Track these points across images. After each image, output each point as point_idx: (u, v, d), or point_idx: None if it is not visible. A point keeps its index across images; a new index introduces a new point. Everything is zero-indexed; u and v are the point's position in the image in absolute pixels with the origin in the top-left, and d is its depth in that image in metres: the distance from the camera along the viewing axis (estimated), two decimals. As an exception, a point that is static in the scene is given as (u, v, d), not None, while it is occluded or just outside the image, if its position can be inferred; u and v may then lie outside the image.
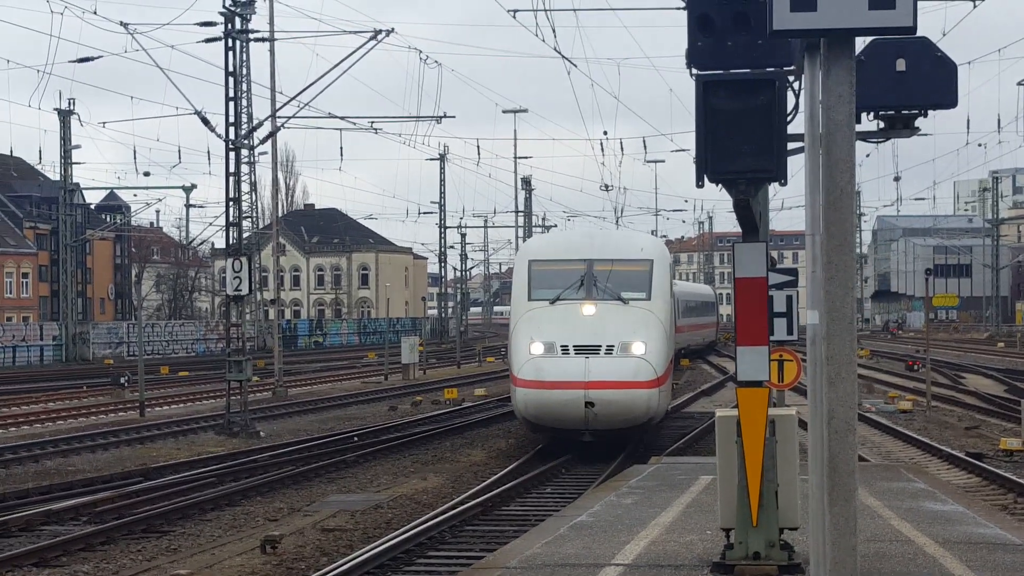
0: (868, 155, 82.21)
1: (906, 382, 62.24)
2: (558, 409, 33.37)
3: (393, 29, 42.76)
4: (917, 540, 16.28)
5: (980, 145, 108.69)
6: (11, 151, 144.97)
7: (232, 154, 45.48)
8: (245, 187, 45.94)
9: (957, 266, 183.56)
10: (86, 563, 21.11)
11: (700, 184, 11.69)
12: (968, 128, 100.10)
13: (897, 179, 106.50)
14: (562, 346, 34.72)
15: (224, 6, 45.34)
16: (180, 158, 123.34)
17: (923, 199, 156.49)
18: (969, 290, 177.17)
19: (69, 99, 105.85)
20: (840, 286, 6.68)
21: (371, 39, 44.14)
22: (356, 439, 40.69)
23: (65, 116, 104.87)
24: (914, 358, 74.80)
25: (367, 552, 19.60)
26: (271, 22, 57.58)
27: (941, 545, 15.89)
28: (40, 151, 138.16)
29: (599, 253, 38.55)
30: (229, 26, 45.67)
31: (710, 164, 11.30)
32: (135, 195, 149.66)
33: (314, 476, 31.74)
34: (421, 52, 50.89)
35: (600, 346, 34.50)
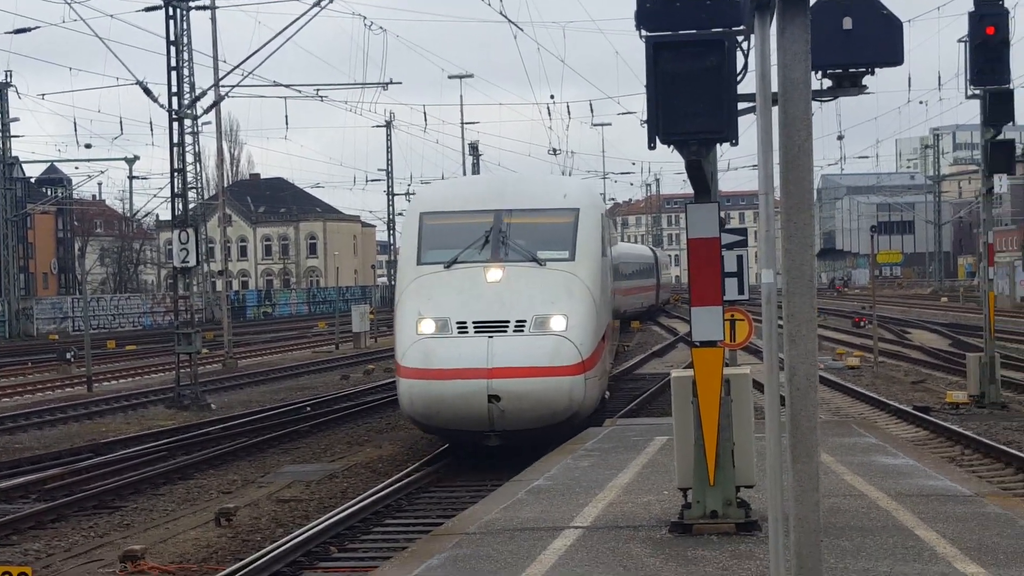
0: (812, 114, 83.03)
1: (853, 339, 62.60)
2: (453, 405, 25.80)
3: (339, -3, 42.46)
4: (870, 494, 16.39)
5: (921, 103, 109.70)
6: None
7: (175, 124, 45.00)
8: (189, 158, 45.52)
9: (900, 223, 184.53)
10: (37, 541, 21.02)
11: (652, 146, 11.78)
12: (909, 86, 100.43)
13: (840, 138, 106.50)
14: (459, 323, 27.16)
15: None
16: (122, 129, 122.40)
17: (866, 157, 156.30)
18: (912, 246, 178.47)
19: (6, 71, 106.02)
20: (799, 244, 6.73)
21: (315, 5, 43.77)
22: (309, 409, 40.37)
23: (2, 88, 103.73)
24: (860, 315, 75.29)
25: (323, 522, 19.58)
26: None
27: (894, 498, 16.01)
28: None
29: (511, 202, 30.60)
30: (170, -6, 45.08)
31: (662, 126, 11.38)
32: (76, 168, 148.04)
33: (268, 447, 31.61)
34: (366, 19, 50.93)
35: (508, 322, 26.95)
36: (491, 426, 25.70)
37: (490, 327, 26.60)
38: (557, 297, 27.57)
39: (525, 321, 26.78)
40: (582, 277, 28.53)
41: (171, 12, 44.84)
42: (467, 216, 30.37)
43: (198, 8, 48.22)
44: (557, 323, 26.79)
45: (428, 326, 26.94)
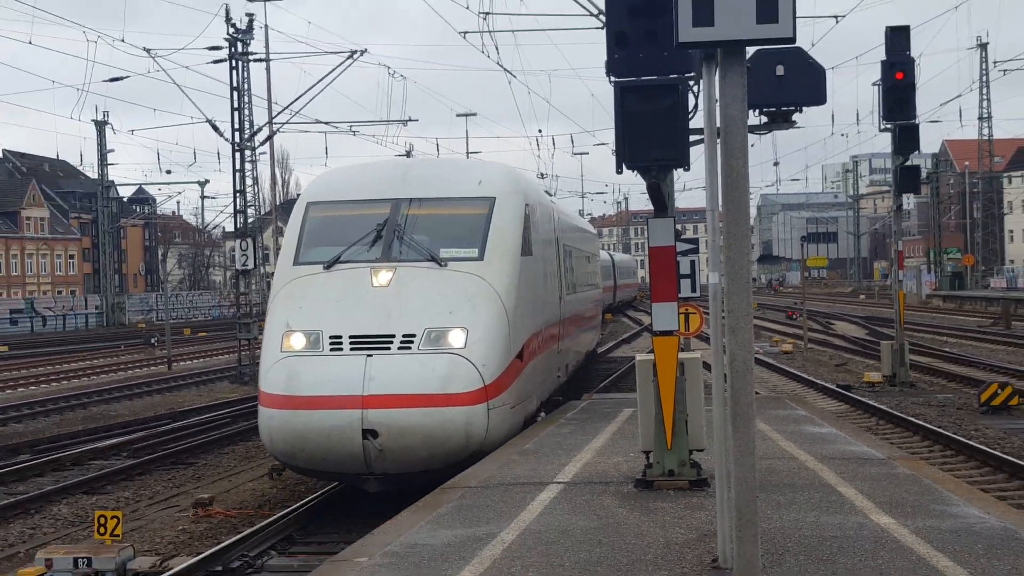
0: (753, 145, 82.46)
1: (787, 328, 62.47)
2: (320, 442, 17.99)
3: (366, 50, 42.57)
4: (800, 457, 16.31)
5: (843, 135, 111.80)
6: (57, 156, 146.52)
7: (237, 154, 45.67)
8: (249, 181, 46.09)
9: (826, 233, 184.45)
10: (126, 490, 21.66)
11: (619, 171, 11.73)
12: (833, 121, 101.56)
13: (776, 164, 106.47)
14: (332, 338, 18.88)
15: (228, 33, 45.74)
16: (195, 158, 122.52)
17: (797, 180, 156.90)
18: (836, 253, 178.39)
19: (104, 112, 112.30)
20: (738, 252, 6.65)
21: (348, 58, 44.12)
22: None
23: (101, 126, 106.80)
24: (793, 309, 75.04)
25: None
26: (267, 46, 56.77)
27: (819, 460, 15.93)
28: (81, 155, 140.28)
29: (414, 190, 21.51)
30: (233, 49, 46.02)
31: (627, 155, 11.32)
32: (159, 189, 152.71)
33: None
34: (389, 68, 50.60)
35: (393, 336, 18.66)
36: (368, 468, 17.77)
37: (370, 343, 18.22)
38: (457, 305, 18.95)
39: (414, 335, 18.20)
40: (492, 280, 19.65)
41: (234, 64, 45.85)
42: (360, 207, 21.39)
43: (255, 60, 48.25)
44: (455, 338, 18.30)
45: (296, 341, 18.67)
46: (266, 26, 57.61)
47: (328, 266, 19.42)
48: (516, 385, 19.30)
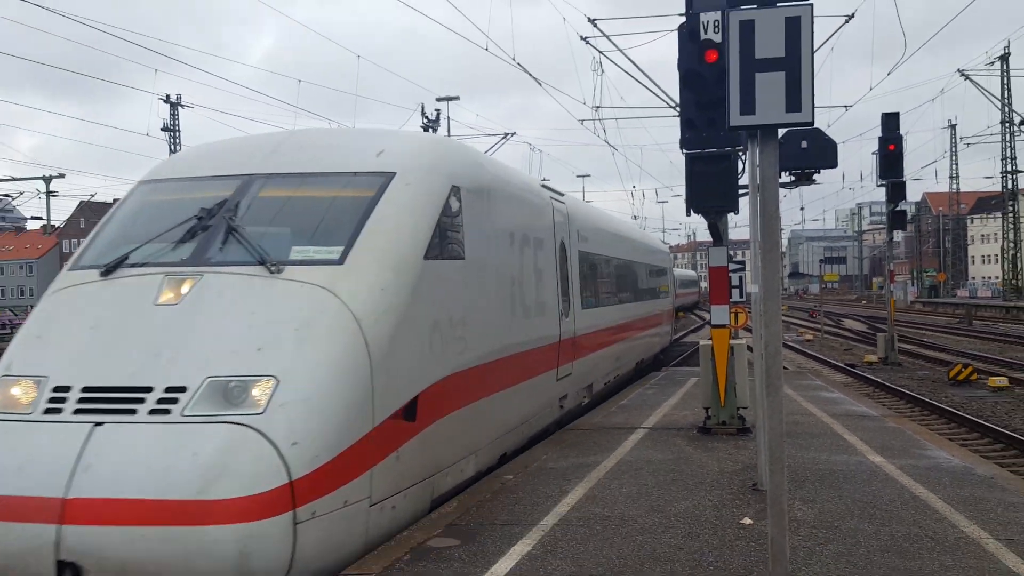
0: (784, 195, 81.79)
1: (809, 324, 61.33)
2: None
3: (515, 132, 42.55)
4: (816, 413, 16.00)
5: (850, 188, 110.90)
6: None
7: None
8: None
9: (838, 257, 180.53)
10: None
11: (688, 214, 11.79)
12: (843, 179, 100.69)
13: (802, 208, 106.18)
14: (57, 390, 7.63)
15: (422, 124, 44.67)
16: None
17: (817, 220, 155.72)
18: (845, 271, 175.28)
19: None
20: (771, 270, 6.50)
21: (503, 138, 43.99)
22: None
23: None
24: (813, 310, 73.79)
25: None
26: (448, 131, 57.53)
27: (830, 416, 15.63)
28: None
29: (280, 163, 9.92)
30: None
31: (694, 203, 11.35)
32: None
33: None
34: (531, 145, 50.70)
35: (149, 390, 7.44)
36: None
37: (111, 401, 7.48)
38: (273, 339, 7.95)
39: (183, 389, 7.46)
40: (348, 297, 8.43)
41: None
42: (200, 186, 10.04)
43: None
44: (254, 395, 7.49)
45: (10, 394, 7.84)
46: (448, 117, 58.13)
47: (107, 271, 8.92)
48: (390, 466, 8.50)
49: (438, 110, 46.72)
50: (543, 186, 15.31)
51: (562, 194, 16.36)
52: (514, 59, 22.05)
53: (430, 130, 42.99)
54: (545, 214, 14.56)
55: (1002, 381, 24.06)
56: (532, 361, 13.04)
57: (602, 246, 19.49)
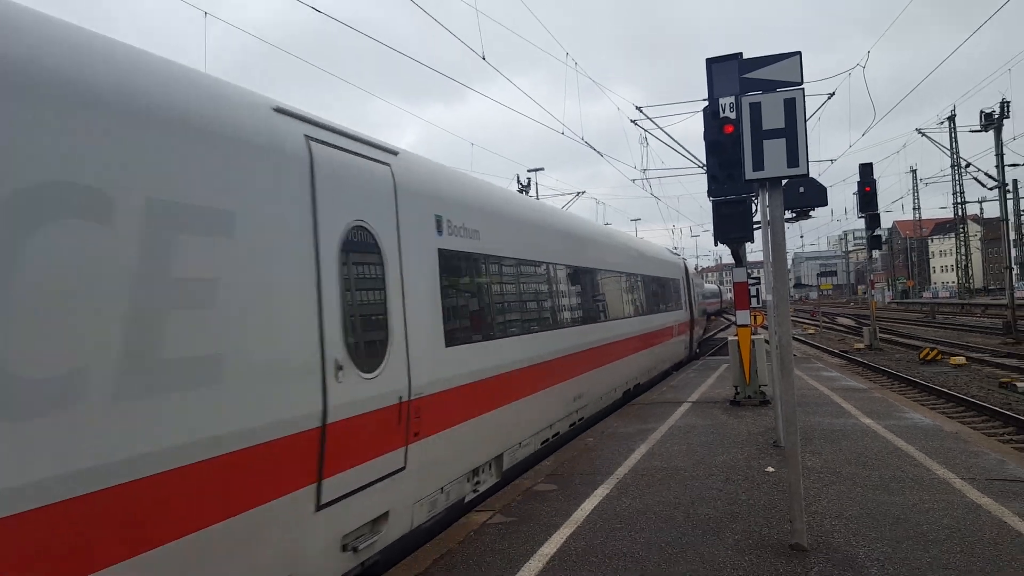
0: (788, 227, 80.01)
1: (810, 321, 59.56)
2: None
3: (585, 191, 42.41)
4: (820, 388, 15.52)
5: (838, 220, 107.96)
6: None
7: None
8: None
9: (830, 271, 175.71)
10: None
11: (716, 244, 11.63)
12: (832, 213, 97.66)
13: (802, 236, 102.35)
14: None
15: (517, 189, 43.03)
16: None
17: (814, 244, 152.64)
18: (836, 281, 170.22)
19: None
20: (781, 283, 6.35)
21: (575, 196, 43.26)
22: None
23: None
24: (814, 311, 71.54)
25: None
26: (537, 195, 57.68)
27: (830, 390, 15.14)
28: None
29: None
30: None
31: (720, 236, 11.13)
32: None
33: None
34: (597, 200, 50.65)
35: None
36: None
37: None
38: None
39: None
40: None
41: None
42: None
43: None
44: None
45: None
46: (536, 183, 58.40)
47: None
48: None
49: (529, 178, 46.50)
50: (277, 110, 5.23)
51: (371, 144, 6.28)
52: (582, 139, 22.08)
53: (524, 192, 42.49)
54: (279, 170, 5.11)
55: (961, 360, 23.08)
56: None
57: (513, 244, 9.30)
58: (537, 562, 6.11)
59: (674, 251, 25.71)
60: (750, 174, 6.09)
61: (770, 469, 8.77)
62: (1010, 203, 40.95)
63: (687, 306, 23.32)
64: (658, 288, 18.48)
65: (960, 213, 73.80)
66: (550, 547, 6.45)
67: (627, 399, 15.14)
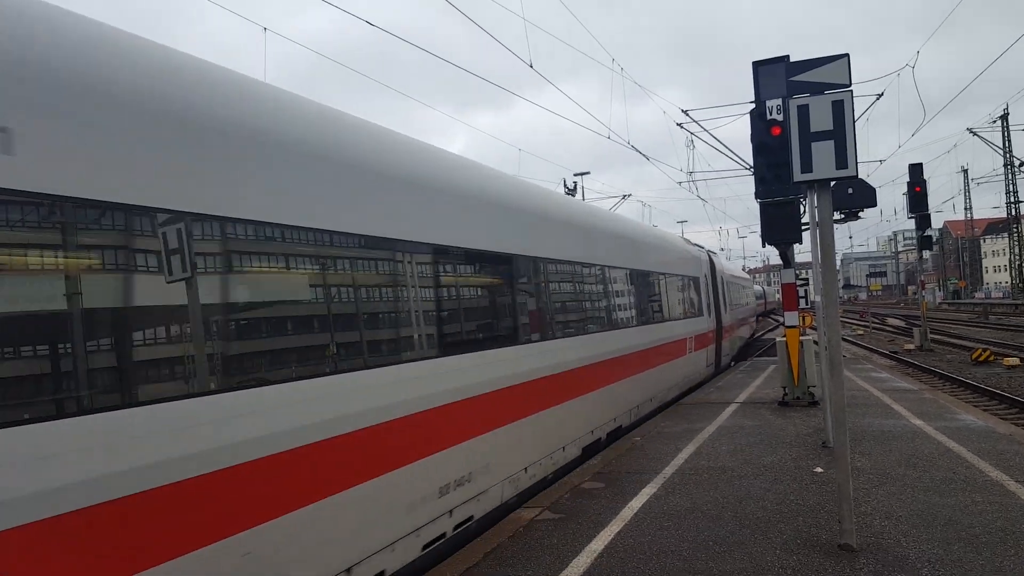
0: (837, 228, 78.36)
1: (859, 322, 58.35)
2: None
3: (631, 194, 42.15)
4: (869, 389, 15.23)
5: (887, 221, 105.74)
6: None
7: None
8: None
9: (879, 272, 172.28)
10: None
11: (764, 245, 11.37)
12: (881, 214, 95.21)
13: (851, 237, 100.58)
14: None
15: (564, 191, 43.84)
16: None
17: (863, 245, 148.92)
18: (886, 282, 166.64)
19: None
20: (831, 284, 6.28)
21: (622, 198, 43.02)
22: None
23: None
24: (863, 312, 70.06)
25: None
26: (583, 196, 57.53)
27: (880, 391, 14.84)
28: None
29: None
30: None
31: (767, 237, 10.97)
32: None
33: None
34: (643, 202, 50.36)
35: None
36: None
37: None
38: None
39: None
40: None
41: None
42: None
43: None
44: None
45: None
46: (582, 187, 58.14)
47: None
48: None
49: (575, 182, 46.30)
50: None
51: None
52: (628, 143, 21.98)
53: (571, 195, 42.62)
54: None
55: (1014, 361, 22.40)
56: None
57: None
58: (586, 558, 6.15)
59: (720, 250, 25.70)
60: (798, 176, 6.04)
61: (819, 470, 8.65)
62: (1066, 202, 39.69)
63: (712, 311, 18.36)
64: (660, 289, 13.66)
65: (1013, 212, 71.83)
66: (598, 543, 6.47)
67: (592, 453, 10.05)
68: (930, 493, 7.44)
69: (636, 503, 7.61)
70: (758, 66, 10.29)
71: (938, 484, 7.74)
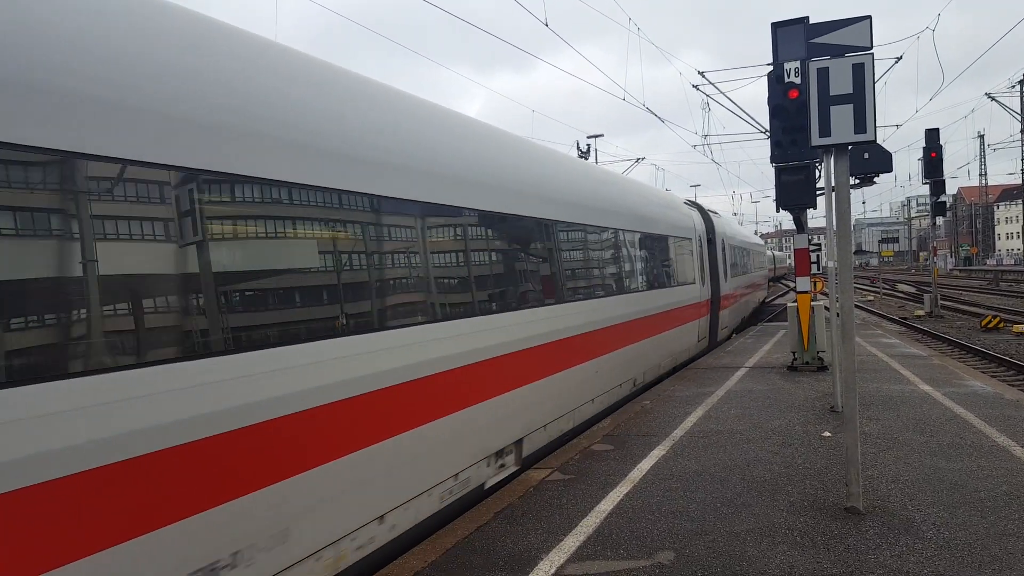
0: (850, 194, 77.06)
1: (871, 288, 57.98)
2: None
3: (644, 157, 41.59)
4: (879, 355, 15.15)
5: (901, 186, 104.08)
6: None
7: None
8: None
9: (892, 238, 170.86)
10: None
11: (778, 210, 11.19)
12: (895, 179, 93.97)
13: (864, 202, 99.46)
14: None
15: (577, 155, 41.66)
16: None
17: (876, 211, 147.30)
18: (898, 248, 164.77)
19: None
20: (845, 250, 6.18)
21: (636, 162, 42.50)
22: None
23: None
24: (874, 277, 69.59)
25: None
26: (596, 159, 57.04)
27: (889, 357, 14.76)
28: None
29: None
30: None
31: (781, 201, 10.78)
32: None
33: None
34: (657, 166, 49.77)
35: None
36: None
37: None
38: None
39: None
40: None
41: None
42: None
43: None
44: None
45: None
46: (596, 149, 57.67)
47: None
48: None
49: (588, 144, 45.73)
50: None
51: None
52: (644, 105, 21.66)
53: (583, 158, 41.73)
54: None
55: (1025, 328, 22.21)
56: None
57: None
58: (595, 518, 6.17)
59: (734, 214, 23.91)
60: (816, 140, 5.91)
61: (826, 434, 8.63)
62: (1083, 169, 38.94)
63: (706, 279, 15.96)
64: (636, 251, 11.13)
65: (1029, 179, 70.44)
66: (608, 504, 6.49)
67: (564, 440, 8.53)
68: (937, 458, 7.41)
69: (645, 465, 7.62)
70: (777, 27, 10.05)
71: (945, 449, 7.71)
